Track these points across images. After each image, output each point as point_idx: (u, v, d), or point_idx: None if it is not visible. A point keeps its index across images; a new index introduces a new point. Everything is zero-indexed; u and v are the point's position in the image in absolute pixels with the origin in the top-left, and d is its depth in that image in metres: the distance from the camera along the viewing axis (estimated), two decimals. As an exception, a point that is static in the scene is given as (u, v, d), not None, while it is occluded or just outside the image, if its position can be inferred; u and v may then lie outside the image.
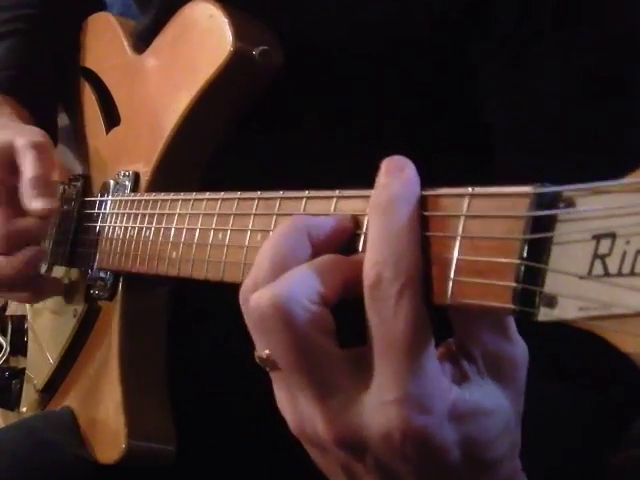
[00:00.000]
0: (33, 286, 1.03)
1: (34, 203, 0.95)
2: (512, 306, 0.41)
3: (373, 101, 0.85)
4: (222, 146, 0.90)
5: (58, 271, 1.06)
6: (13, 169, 0.97)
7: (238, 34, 0.83)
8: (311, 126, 0.88)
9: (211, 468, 0.96)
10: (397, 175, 0.47)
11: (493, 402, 0.47)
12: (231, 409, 0.96)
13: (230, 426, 0.97)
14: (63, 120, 1.19)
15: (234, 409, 0.96)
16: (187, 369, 0.94)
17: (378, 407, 0.45)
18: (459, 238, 0.44)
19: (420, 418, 0.44)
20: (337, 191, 0.55)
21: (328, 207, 0.54)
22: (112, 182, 0.98)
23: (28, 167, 0.96)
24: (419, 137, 0.83)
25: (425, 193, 0.47)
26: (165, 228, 0.80)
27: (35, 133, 1.00)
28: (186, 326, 0.95)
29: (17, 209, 0.96)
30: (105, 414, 0.91)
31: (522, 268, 0.41)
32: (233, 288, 0.52)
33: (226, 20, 0.85)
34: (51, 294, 1.06)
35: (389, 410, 0.45)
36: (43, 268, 1.04)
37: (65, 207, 1.05)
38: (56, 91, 1.16)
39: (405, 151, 0.49)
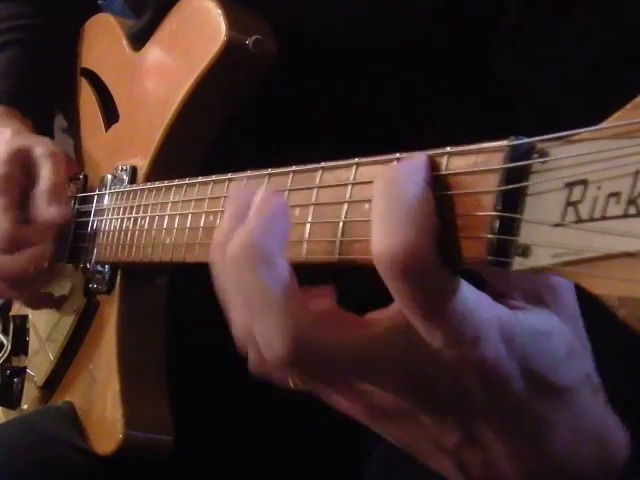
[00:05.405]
0: (35, 286, 1.04)
1: (50, 210, 0.98)
2: (488, 257, 0.41)
3: (376, 96, 0.85)
4: (221, 138, 0.90)
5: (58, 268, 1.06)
6: (26, 173, 1.00)
7: (231, 24, 0.84)
8: (312, 120, 0.88)
9: (209, 460, 0.95)
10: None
11: (548, 323, 0.46)
12: (230, 400, 0.96)
13: (229, 417, 0.96)
14: (61, 122, 1.20)
15: (233, 400, 0.96)
16: (186, 360, 0.95)
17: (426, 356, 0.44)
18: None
19: (475, 350, 0.43)
20: (322, 163, 0.55)
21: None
22: (110, 177, 0.98)
23: (46, 175, 0.99)
24: (426, 130, 0.83)
25: (402, 155, 0.47)
26: (159, 216, 0.81)
27: (51, 143, 1.04)
28: (184, 318, 0.95)
29: (25, 211, 0.99)
30: (103, 406, 0.91)
31: (497, 220, 0.41)
32: None
33: (219, 11, 0.85)
34: (46, 305, 1.08)
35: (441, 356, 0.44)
36: (45, 265, 1.05)
37: None
38: (54, 98, 1.19)
39: (411, 144, 0.48)
